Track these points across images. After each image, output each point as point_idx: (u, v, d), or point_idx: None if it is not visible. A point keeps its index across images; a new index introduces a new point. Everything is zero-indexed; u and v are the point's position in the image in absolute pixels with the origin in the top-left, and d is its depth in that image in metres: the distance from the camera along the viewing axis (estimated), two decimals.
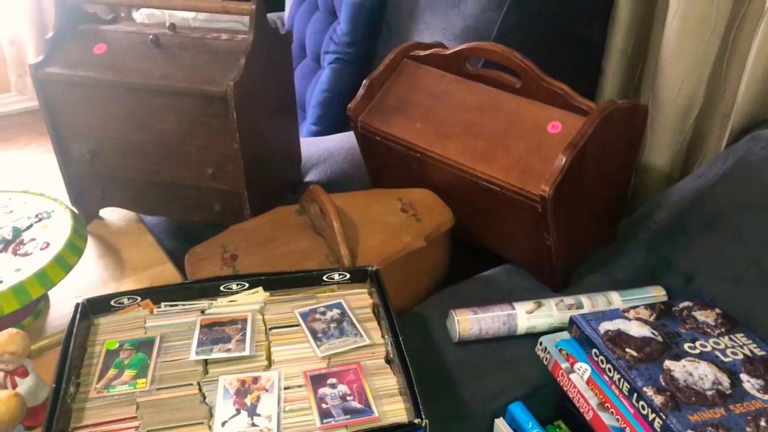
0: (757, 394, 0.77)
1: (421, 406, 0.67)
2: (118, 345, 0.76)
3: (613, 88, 1.42)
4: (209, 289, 0.83)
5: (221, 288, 0.84)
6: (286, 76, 1.20)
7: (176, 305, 0.82)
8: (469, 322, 0.92)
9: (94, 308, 0.80)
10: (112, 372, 0.73)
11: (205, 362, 0.74)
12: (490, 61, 1.04)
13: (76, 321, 0.75)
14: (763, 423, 0.72)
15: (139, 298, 0.81)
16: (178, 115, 1.03)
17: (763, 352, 0.83)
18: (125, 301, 0.81)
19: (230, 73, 0.99)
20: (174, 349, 0.76)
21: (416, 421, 0.66)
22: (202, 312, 0.81)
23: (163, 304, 0.82)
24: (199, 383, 0.72)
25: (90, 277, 1.07)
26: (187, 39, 1.07)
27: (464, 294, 1.02)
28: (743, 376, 0.79)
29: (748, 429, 0.71)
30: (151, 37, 1.05)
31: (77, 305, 0.78)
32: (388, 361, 0.76)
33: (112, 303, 0.80)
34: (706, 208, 1.02)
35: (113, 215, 1.23)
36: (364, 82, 1.13)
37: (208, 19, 1.93)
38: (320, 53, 1.74)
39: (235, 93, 0.96)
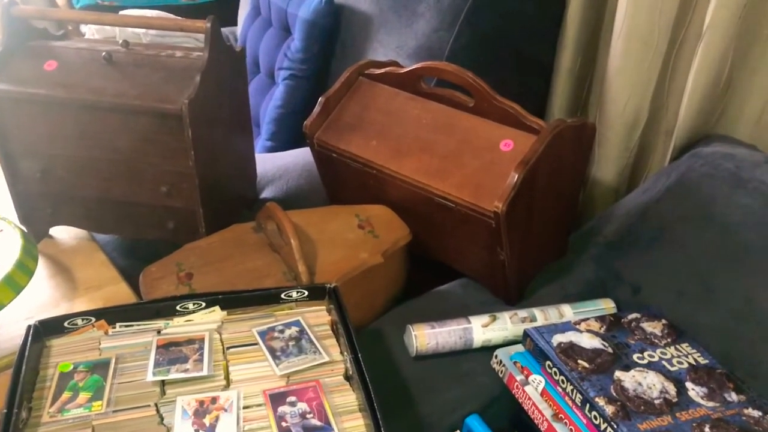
0: (702, 402, 0.80)
1: (380, 423, 0.68)
2: (72, 367, 0.75)
3: (561, 105, 1.46)
4: (165, 308, 0.83)
5: (177, 307, 0.83)
6: (241, 93, 1.20)
7: (132, 325, 0.81)
8: (426, 337, 0.93)
9: (46, 330, 0.78)
10: (66, 395, 0.71)
11: (162, 383, 0.74)
12: (443, 80, 1.06)
13: (28, 343, 0.74)
14: (707, 429, 0.75)
15: (93, 319, 0.80)
16: (131, 132, 1.02)
17: (706, 361, 0.86)
18: (79, 322, 0.80)
19: (185, 90, 0.98)
20: (130, 370, 0.75)
21: None
22: (158, 332, 0.80)
23: (118, 324, 0.81)
24: (156, 404, 0.71)
25: (41, 297, 1.05)
26: (140, 56, 1.06)
27: (421, 308, 1.04)
28: (688, 385, 0.82)
29: None
30: (103, 54, 1.04)
31: (29, 327, 0.76)
32: (347, 377, 0.77)
33: (65, 324, 0.79)
34: (651, 221, 1.06)
35: (64, 234, 1.21)
36: (319, 99, 1.14)
37: (159, 35, 1.91)
38: (274, 69, 1.74)
39: (189, 111, 0.96)
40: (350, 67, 1.16)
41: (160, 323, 0.82)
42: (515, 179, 0.91)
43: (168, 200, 1.07)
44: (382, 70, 1.14)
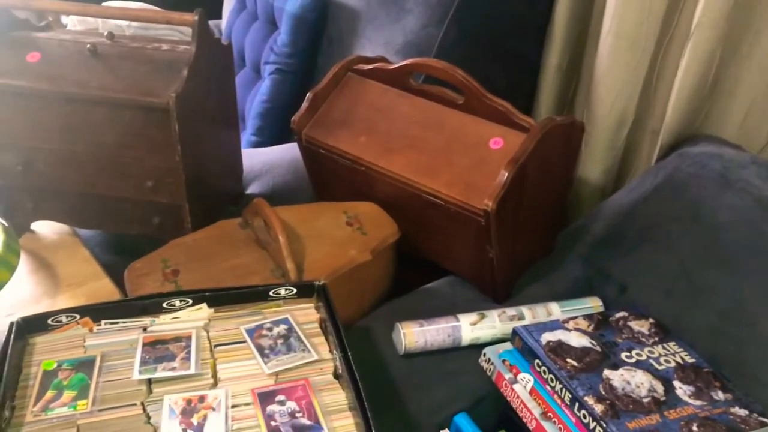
0: (689, 400, 0.80)
1: (371, 422, 0.67)
2: (56, 365, 0.73)
3: (548, 103, 1.46)
4: (151, 305, 0.81)
5: (164, 305, 0.82)
6: (228, 88, 1.18)
7: (117, 323, 0.80)
8: (414, 335, 0.93)
9: (29, 327, 0.76)
10: (50, 394, 0.70)
11: (149, 381, 0.72)
12: (432, 76, 1.06)
13: (11, 341, 0.72)
14: (694, 428, 0.76)
15: (78, 316, 0.79)
16: (116, 126, 1.00)
17: (693, 360, 0.87)
18: (63, 319, 0.78)
19: (172, 84, 0.97)
20: (116, 369, 0.74)
21: None
22: (144, 329, 0.79)
23: (103, 321, 0.79)
24: (143, 403, 0.70)
25: (22, 293, 1.03)
26: (126, 49, 1.04)
27: (409, 306, 1.03)
28: (676, 383, 0.82)
29: None
30: (88, 45, 1.03)
31: (11, 324, 0.74)
32: (336, 376, 0.76)
33: (49, 321, 0.77)
34: (638, 221, 1.06)
35: (46, 229, 1.18)
36: (307, 95, 1.13)
37: (142, 27, 1.89)
38: (260, 63, 1.73)
39: (176, 104, 0.94)
40: (338, 62, 1.15)
41: (146, 320, 0.80)
42: (505, 177, 0.90)
43: (153, 195, 1.05)
44: (371, 66, 1.13)
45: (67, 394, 0.70)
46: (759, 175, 0.96)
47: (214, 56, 1.07)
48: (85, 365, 0.73)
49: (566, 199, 1.15)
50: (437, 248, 1.09)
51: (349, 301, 0.96)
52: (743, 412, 0.79)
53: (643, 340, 0.90)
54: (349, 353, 0.75)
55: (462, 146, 1.00)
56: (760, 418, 0.79)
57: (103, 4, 1.66)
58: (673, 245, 0.99)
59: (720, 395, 0.82)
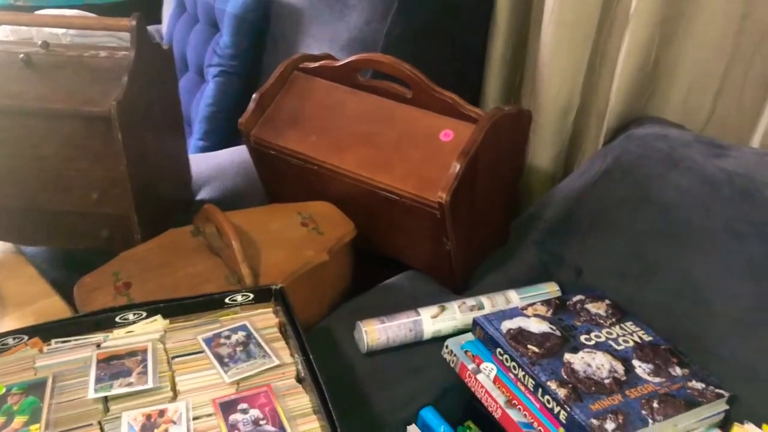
0: (648, 378, 0.82)
1: (336, 424, 0.66)
2: (5, 390, 0.70)
3: (495, 94, 1.47)
4: (104, 321, 0.79)
5: (117, 319, 0.79)
6: (171, 92, 1.16)
7: (68, 341, 0.77)
8: (376, 332, 0.93)
9: None
10: None
11: (105, 399, 0.70)
12: (380, 72, 1.05)
13: None
14: (655, 404, 0.77)
15: (26, 337, 0.76)
16: (56, 138, 0.97)
17: (650, 338, 0.89)
18: (10, 341, 0.75)
19: (112, 92, 0.94)
20: (69, 389, 0.71)
21: None
22: (98, 346, 0.77)
23: (53, 340, 0.77)
24: (100, 422, 0.68)
25: None
26: (62, 57, 1.01)
27: (369, 304, 1.03)
28: (635, 362, 0.84)
29: (643, 411, 0.76)
30: (21, 56, 0.99)
31: None
32: (299, 380, 0.75)
33: None
34: (590, 204, 1.08)
35: None
36: (254, 95, 1.11)
37: (79, 35, 1.83)
38: (203, 66, 1.70)
39: (118, 112, 0.92)
40: (284, 61, 1.13)
41: (99, 336, 0.78)
42: (457, 169, 0.91)
43: (100, 207, 1.02)
44: (317, 64, 1.12)
45: (18, 420, 0.67)
46: (703, 153, 0.98)
47: (154, 61, 1.04)
48: (36, 388, 0.71)
49: (518, 188, 1.16)
50: (394, 243, 1.09)
51: (308, 302, 0.95)
52: (700, 385, 0.81)
53: (601, 321, 0.91)
54: (311, 356, 0.74)
55: (413, 140, 1.00)
56: (717, 390, 0.81)
57: (36, 13, 1.60)
58: (624, 227, 1.01)
59: (678, 371, 0.83)
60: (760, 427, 0.79)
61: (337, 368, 0.92)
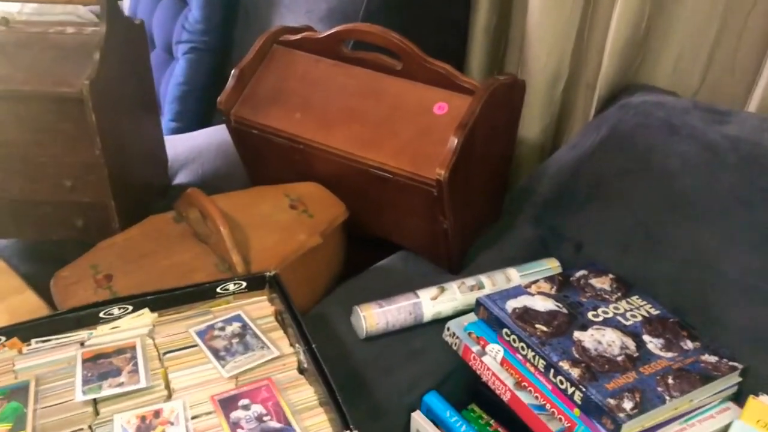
0: (660, 353, 0.79)
1: (347, 416, 0.63)
2: None
3: (478, 64, 1.43)
4: (86, 317, 0.74)
5: (101, 314, 0.75)
6: (145, 70, 1.09)
7: (49, 340, 0.72)
8: (375, 317, 0.89)
9: None
10: None
11: (95, 401, 0.66)
12: (364, 42, 1.00)
13: None
14: (670, 380, 0.75)
15: (3, 338, 0.70)
16: (23, 122, 0.90)
17: (658, 312, 0.86)
18: None
19: (83, 70, 0.87)
20: (55, 392, 0.67)
21: None
22: (82, 344, 0.72)
23: (33, 340, 0.72)
24: (91, 427, 0.63)
25: None
26: (24, 35, 0.94)
27: (364, 287, 0.98)
28: (646, 338, 0.81)
29: (659, 388, 0.73)
30: None
31: None
32: (301, 371, 0.71)
33: None
34: (587, 176, 1.05)
35: None
36: (233, 71, 1.05)
37: (36, 12, 1.73)
38: (172, 43, 1.62)
39: (91, 92, 0.85)
40: (263, 34, 1.07)
41: (82, 334, 0.73)
42: (455, 144, 0.86)
43: (74, 195, 0.96)
44: (298, 36, 1.06)
45: (2, 427, 0.62)
46: (703, 120, 0.96)
47: (126, 37, 0.98)
48: (18, 392, 0.66)
49: (512, 161, 1.12)
50: (386, 223, 1.05)
51: (301, 288, 0.90)
52: (713, 358, 0.79)
53: (607, 297, 0.88)
54: (314, 345, 0.70)
55: (405, 114, 0.95)
56: (730, 363, 0.79)
57: None
58: (625, 198, 0.98)
59: (689, 344, 0.81)
60: None
61: (335, 355, 0.88)
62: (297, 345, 0.73)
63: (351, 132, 0.97)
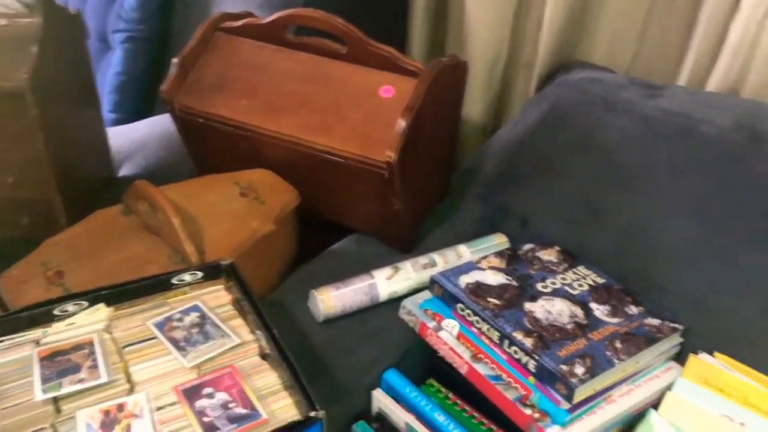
0: (607, 319, 0.83)
1: (312, 398, 0.64)
2: None
3: (420, 46, 1.45)
4: (40, 315, 0.73)
5: (55, 312, 0.73)
6: (83, 61, 1.06)
7: (3, 341, 0.71)
8: (332, 300, 0.90)
9: None
10: None
11: (55, 400, 0.65)
12: (307, 27, 1.00)
13: None
14: (618, 344, 0.79)
15: None
16: None
17: (603, 280, 0.90)
18: None
19: (20, 64, 0.85)
20: (12, 392, 0.65)
21: (312, 414, 0.63)
22: (37, 343, 0.71)
23: None
24: (53, 425, 0.62)
25: None
26: None
27: (318, 271, 1.00)
28: (593, 305, 0.85)
29: (608, 352, 0.77)
30: None
31: None
32: (263, 356, 0.72)
33: None
34: (530, 153, 1.08)
35: None
36: (174, 60, 1.04)
37: None
38: (107, 33, 1.58)
39: (31, 86, 0.83)
40: (204, 21, 1.06)
41: (37, 332, 0.72)
42: (403, 126, 0.88)
43: (16, 192, 0.93)
44: (241, 23, 1.06)
45: None
46: (638, 95, 1.00)
47: (63, 27, 0.95)
48: None
49: (457, 141, 1.15)
50: (337, 207, 1.06)
51: (256, 275, 0.90)
52: (656, 321, 0.84)
53: (554, 268, 0.92)
54: (275, 331, 0.71)
55: (352, 98, 0.96)
56: (672, 325, 0.83)
57: None
58: (567, 173, 1.01)
59: (633, 309, 0.85)
60: (712, 355, 0.83)
61: (294, 339, 0.89)
62: (258, 332, 0.73)
63: (299, 118, 0.97)
